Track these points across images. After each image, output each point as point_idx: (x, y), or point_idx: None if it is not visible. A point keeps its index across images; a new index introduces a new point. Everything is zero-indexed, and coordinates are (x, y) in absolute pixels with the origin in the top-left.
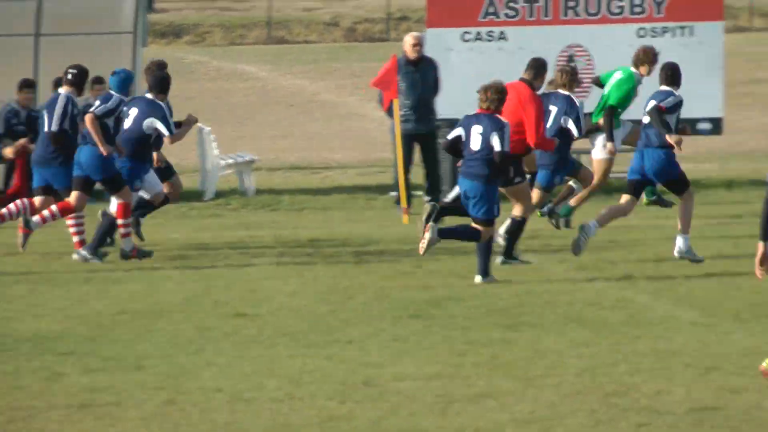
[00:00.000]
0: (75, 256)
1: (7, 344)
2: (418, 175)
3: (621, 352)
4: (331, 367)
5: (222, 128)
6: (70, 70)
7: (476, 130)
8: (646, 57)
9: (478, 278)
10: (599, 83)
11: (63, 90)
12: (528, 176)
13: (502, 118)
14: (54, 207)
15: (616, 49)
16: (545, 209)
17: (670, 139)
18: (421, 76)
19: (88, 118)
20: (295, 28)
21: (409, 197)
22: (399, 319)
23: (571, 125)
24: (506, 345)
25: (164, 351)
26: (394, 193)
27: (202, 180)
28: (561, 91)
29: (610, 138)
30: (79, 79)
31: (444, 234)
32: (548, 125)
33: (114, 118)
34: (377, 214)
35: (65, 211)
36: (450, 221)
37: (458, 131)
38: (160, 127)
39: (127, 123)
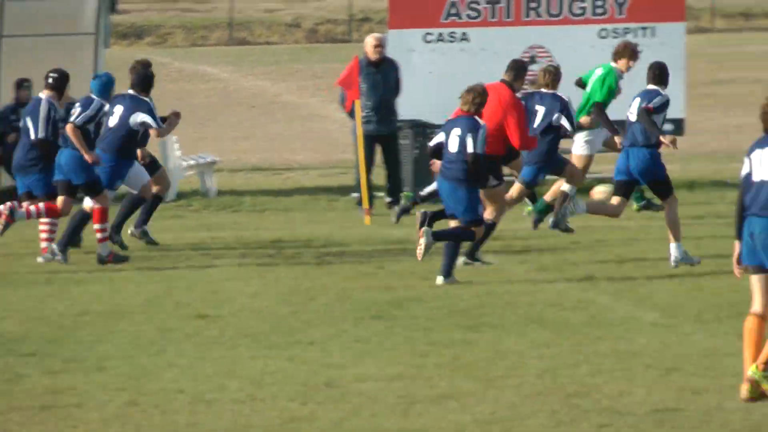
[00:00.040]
0: (40, 259)
1: None
2: (379, 176)
3: (582, 353)
4: (292, 369)
5: (184, 129)
6: (51, 74)
7: (455, 132)
8: (626, 51)
9: (440, 279)
10: (581, 84)
11: (43, 94)
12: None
13: (479, 120)
14: (41, 205)
15: (578, 50)
16: (550, 224)
17: (665, 139)
18: (382, 77)
19: (69, 128)
20: (257, 30)
21: (371, 198)
22: (361, 320)
23: (564, 121)
24: (468, 346)
25: (126, 352)
26: (355, 195)
27: None
28: (544, 90)
29: (614, 131)
30: (60, 83)
31: (439, 236)
32: (536, 124)
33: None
34: (339, 215)
35: (50, 213)
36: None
37: (440, 136)
38: (149, 119)
39: (113, 120)
